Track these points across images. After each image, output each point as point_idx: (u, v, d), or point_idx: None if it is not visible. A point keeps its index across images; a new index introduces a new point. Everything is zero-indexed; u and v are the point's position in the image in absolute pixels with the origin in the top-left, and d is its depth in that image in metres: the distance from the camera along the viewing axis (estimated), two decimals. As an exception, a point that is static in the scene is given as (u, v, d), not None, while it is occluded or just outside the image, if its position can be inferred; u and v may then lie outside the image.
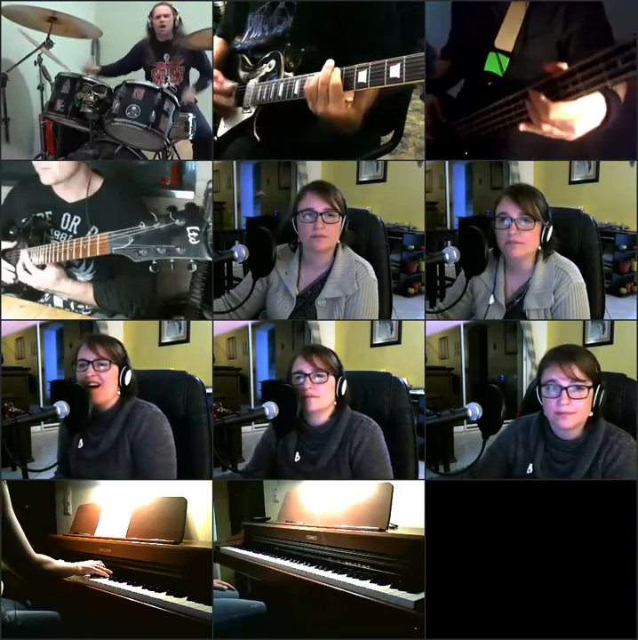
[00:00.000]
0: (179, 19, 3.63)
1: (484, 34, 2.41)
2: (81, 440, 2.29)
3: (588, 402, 2.01)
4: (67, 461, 2.33)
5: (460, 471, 2.29)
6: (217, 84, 2.47)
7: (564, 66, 1.82)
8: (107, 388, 2.27)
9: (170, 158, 3.04)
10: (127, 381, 2.28)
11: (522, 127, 2.02)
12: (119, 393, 2.29)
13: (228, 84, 2.45)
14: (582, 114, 1.88)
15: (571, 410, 2.00)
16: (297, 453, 2.22)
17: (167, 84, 3.55)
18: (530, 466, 2.09)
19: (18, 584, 2.31)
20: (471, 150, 2.50)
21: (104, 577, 2.30)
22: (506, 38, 2.37)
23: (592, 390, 2.01)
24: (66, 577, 2.29)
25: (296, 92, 2.20)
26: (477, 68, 2.42)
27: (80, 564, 2.31)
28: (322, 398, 2.20)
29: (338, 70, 2.07)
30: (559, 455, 2.07)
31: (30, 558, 2.23)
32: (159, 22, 3.62)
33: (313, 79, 2.11)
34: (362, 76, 2.02)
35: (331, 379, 2.20)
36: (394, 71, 1.96)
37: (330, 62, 2.08)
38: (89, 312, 2.67)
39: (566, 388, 1.99)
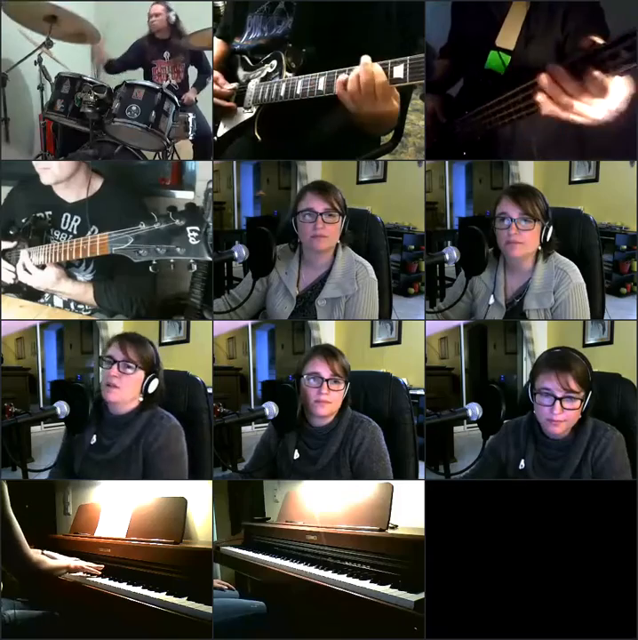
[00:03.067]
0: (176, 16, 3.65)
1: (484, 33, 2.41)
2: (94, 436, 2.25)
3: (580, 409, 2.05)
4: (71, 461, 2.31)
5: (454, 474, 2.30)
6: (217, 86, 2.47)
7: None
8: (124, 392, 2.22)
9: (170, 158, 3.04)
10: (151, 390, 2.23)
11: (544, 110, 1.89)
12: (141, 399, 2.24)
13: (228, 87, 2.45)
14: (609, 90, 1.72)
15: (563, 418, 2.05)
16: (296, 451, 2.22)
17: (168, 82, 3.57)
18: (522, 461, 2.11)
19: (17, 584, 2.31)
20: (472, 149, 2.50)
21: (96, 575, 2.29)
22: (508, 37, 2.37)
23: (583, 399, 2.04)
24: (59, 574, 2.28)
25: (298, 91, 2.19)
26: (477, 67, 2.42)
27: (71, 563, 2.29)
28: (333, 404, 2.20)
29: (378, 66, 1.98)
30: (549, 453, 2.10)
31: (28, 560, 2.22)
32: (150, 21, 3.67)
33: (351, 80, 2.01)
34: (365, 76, 2.02)
35: (344, 385, 2.20)
36: (398, 71, 1.96)
37: (366, 59, 1.98)
38: (89, 312, 2.67)
39: (560, 399, 2.03)
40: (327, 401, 2.18)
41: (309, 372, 2.19)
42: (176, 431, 2.25)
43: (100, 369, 2.25)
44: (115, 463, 2.24)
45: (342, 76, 2.04)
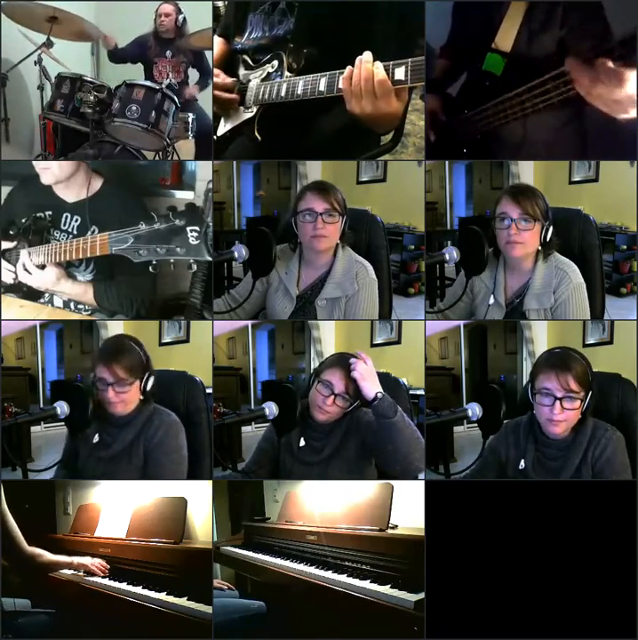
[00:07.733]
0: (184, 18, 3.66)
1: (485, 33, 2.41)
2: (97, 435, 2.27)
3: (580, 409, 2.05)
4: (74, 458, 2.31)
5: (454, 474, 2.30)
6: (218, 79, 2.46)
7: None
8: (128, 405, 2.25)
9: (170, 158, 3.04)
10: (149, 387, 2.25)
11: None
12: (141, 398, 2.26)
13: (229, 80, 2.45)
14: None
15: (563, 418, 2.04)
16: (302, 439, 2.24)
17: (168, 80, 3.57)
18: (522, 461, 2.11)
19: (16, 583, 2.31)
20: (477, 149, 2.50)
21: (99, 575, 2.29)
22: (505, 38, 2.37)
23: (584, 399, 2.04)
24: (59, 570, 2.28)
25: (299, 92, 2.19)
26: (477, 67, 2.42)
27: (75, 559, 2.30)
28: (332, 414, 2.23)
29: (379, 64, 1.97)
30: (549, 453, 2.10)
31: (23, 551, 2.23)
32: (159, 21, 3.67)
33: (355, 76, 1.98)
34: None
35: (349, 404, 2.21)
36: (399, 73, 1.97)
37: (367, 56, 1.97)
38: (89, 312, 2.67)
39: (560, 399, 2.02)
40: (328, 412, 2.20)
41: (324, 378, 2.21)
42: (176, 426, 2.27)
43: (97, 392, 2.24)
44: (117, 458, 2.25)
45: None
